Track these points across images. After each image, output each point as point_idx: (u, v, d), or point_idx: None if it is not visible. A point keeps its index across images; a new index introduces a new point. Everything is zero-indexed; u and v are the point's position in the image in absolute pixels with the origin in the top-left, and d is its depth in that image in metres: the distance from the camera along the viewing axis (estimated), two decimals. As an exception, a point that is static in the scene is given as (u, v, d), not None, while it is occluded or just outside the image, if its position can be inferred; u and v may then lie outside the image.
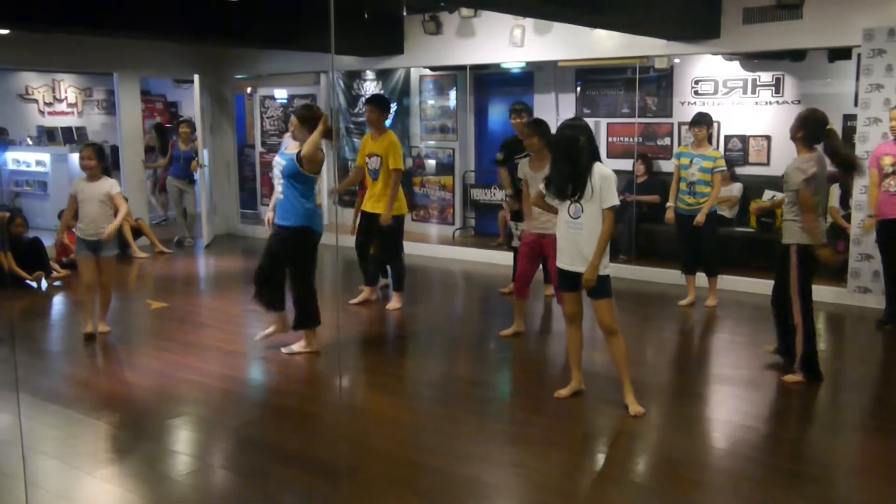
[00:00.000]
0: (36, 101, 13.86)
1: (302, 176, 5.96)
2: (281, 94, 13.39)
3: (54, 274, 9.07)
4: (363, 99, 12.32)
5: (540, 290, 7.97)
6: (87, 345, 6.70)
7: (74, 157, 12.37)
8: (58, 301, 8.58)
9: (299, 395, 5.53)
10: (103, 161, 6.87)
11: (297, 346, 6.30)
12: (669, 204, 7.79)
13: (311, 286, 6.24)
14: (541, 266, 7.34)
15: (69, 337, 7.23)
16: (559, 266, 5.09)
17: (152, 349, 6.69)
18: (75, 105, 14.39)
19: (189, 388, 5.66)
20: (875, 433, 4.87)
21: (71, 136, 13.02)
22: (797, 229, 5.47)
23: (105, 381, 5.89)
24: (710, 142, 7.83)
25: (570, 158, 4.90)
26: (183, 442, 4.80)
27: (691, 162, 7.56)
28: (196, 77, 11.69)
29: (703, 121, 7.63)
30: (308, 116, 6.01)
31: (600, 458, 4.59)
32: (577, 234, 4.92)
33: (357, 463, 4.38)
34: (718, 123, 9.80)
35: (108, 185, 6.80)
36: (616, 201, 4.94)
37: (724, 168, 7.71)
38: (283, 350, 6.29)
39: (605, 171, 4.93)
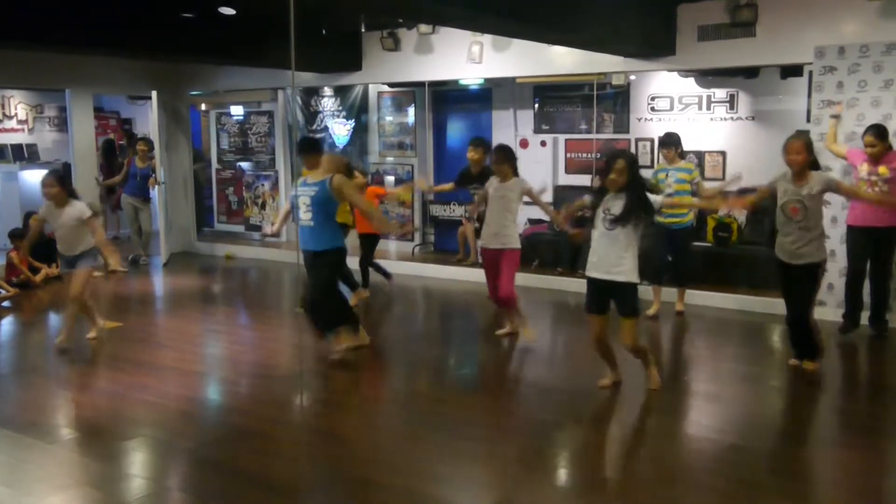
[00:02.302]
0: (-16, 118, 13.56)
1: (333, 202, 6.19)
2: (237, 110, 13.28)
3: (2, 293, 8.83)
4: (321, 115, 12.28)
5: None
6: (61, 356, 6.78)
7: (25, 175, 12.16)
8: (7, 322, 8.36)
9: (258, 416, 5.41)
10: (66, 186, 6.94)
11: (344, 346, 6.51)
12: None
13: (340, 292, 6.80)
14: None
15: (19, 358, 7.06)
16: (591, 276, 5.39)
17: (106, 370, 6.55)
18: (25, 122, 14.10)
19: (144, 409, 5.52)
20: (845, 445, 4.90)
21: (21, 154, 12.76)
22: (824, 245, 5.83)
23: (57, 404, 5.72)
24: (682, 157, 8.06)
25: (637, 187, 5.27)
26: (139, 464, 4.67)
27: (667, 175, 7.78)
28: (154, 93, 11.54)
29: (669, 142, 7.95)
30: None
31: (565, 475, 4.57)
32: (613, 242, 5.21)
33: (316, 484, 4.31)
34: (675, 139, 9.91)
35: (78, 210, 6.85)
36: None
37: (699, 180, 7.90)
38: (336, 351, 6.45)
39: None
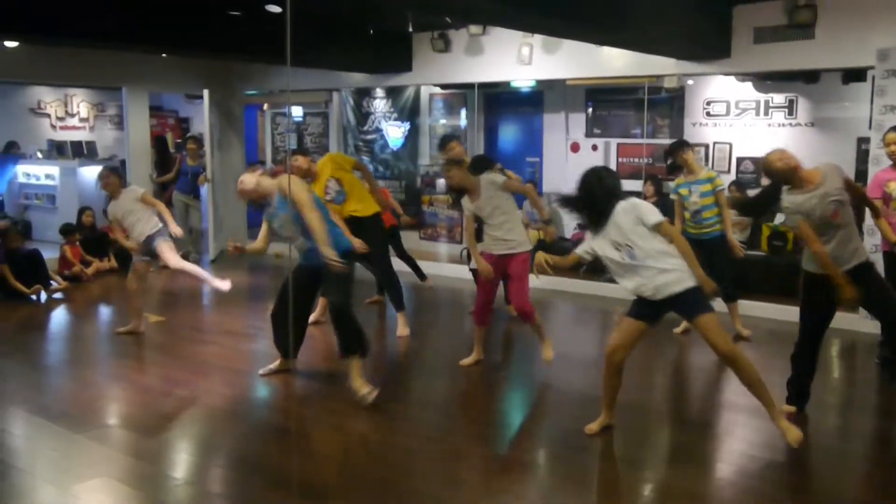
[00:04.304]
0: (48, 115, 13.90)
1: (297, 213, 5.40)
2: (296, 111, 13.36)
3: (54, 286, 8.99)
4: (373, 117, 12.28)
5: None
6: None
7: (83, 171, 12.40)
8: (56, 313, 8.50)
9: (296, 415, 5.33)
10: (120, 178, 7.45)
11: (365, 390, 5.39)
12: None
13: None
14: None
15: (63, 349, 7.17)
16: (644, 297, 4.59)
17: (147, 364, 6.61)
18: (87, 120, 14.41)
19: (180, 404, 5.54)
20: (881, 464, 4.67)
21: (80, 150, 13.04)
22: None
23: (93, 396, 5.75)
24: (703, 164, 7.57)
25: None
26: (168, 460, 4.66)
27: (689, 191, 7.17)
28: (206, 92, 11.67)
29: (672, 149, 7.29)
30: None
31: (597, 486, 4.42)
32: (650, 273, 4.49)
33: (338, 483, 4.24)
34: (730, 145, 9.67)
35: (132, 192, 7.27)
36: (660, 216, 4.54)
37: (724, 186, 7.35)
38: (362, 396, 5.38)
39: (624, 204, 4.56)
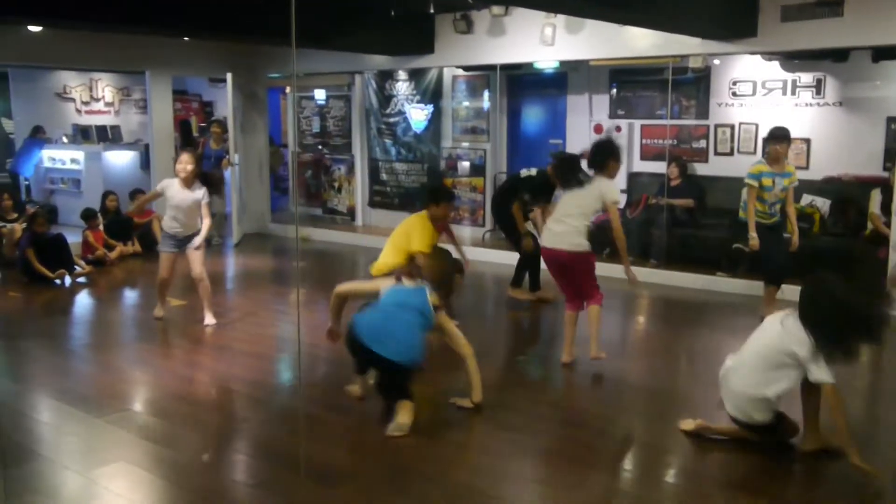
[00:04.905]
0: (73, 99, 13.98)
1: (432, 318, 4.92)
2: (319, 94, 13.33)
3: (78, 270, 9.07)
4: (396, 99, 12.22)
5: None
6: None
7: (108, 156, 12.49)
8: (80, 297, 8.57)
9: (318, 401, 5.27)
10: (199, 167, 7.08)
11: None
12: (753, 234, 6.86)
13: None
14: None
15: (85, 333, 7.23)
16: None
17: (169, 348, 6.65)
18: (112, 104, 14.48)
19: (200, 388, 5.57)
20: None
21: (105, 135, 13.11)
22: None
23: (113, 380, 5.77)
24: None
25: None
26: (185, 445, 4.66)
27: (773, 182, 6.92)
28: (229, 76, 11.67)
29: (784, 136, 7.00)
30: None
31: (635, 476, 4.38)
32: None
33: (355, 469, 4.24)
34: (756, 126, 9.51)
35: (200, 193, 7.00)
36: None
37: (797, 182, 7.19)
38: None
39: None
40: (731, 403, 4.41)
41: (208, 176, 7.31)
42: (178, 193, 6.96)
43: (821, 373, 4.07)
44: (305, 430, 4.72)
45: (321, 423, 4.89)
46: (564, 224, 5.82)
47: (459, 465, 4.34)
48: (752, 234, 6.89)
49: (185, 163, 6.97)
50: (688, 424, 4.65)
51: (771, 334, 4.31)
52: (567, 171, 6.14)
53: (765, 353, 4.28)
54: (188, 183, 6.97)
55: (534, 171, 8.11)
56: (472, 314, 7.69)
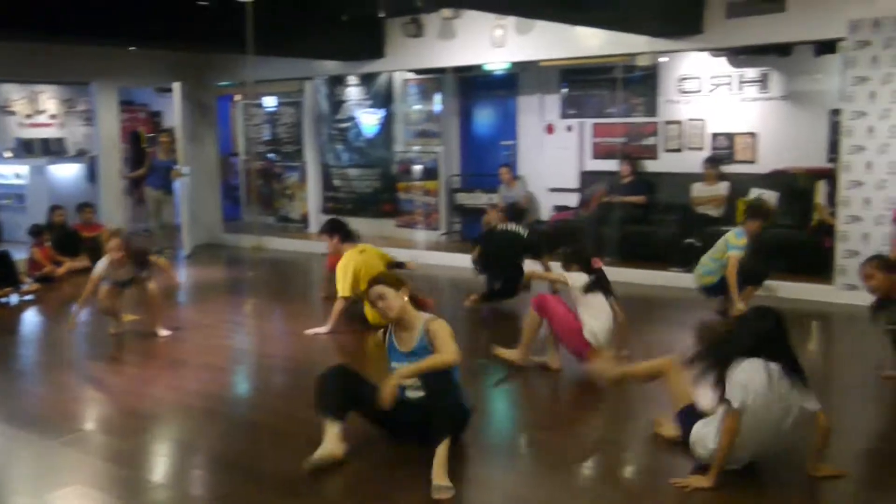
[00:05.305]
0: (15, 112, 13.64)
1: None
2: (270, 101, 13.20)
3: (25, 288, 8.84)
4: (346, 105, 12.15)
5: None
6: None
7: (53, 169, 12.23)
8: (28, 316, 8.36)
9: (277, 412, 5.23)
10: (129, 251, 6.88)
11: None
12: (740, 306, 6.63)
13: None
14: None
15: (34, 353, 7.06)
16: None
17: (121, 365, 6.50)
18: (56, 117, 14.17)
19: (155, 405, 5.44)
20: None
21: (49, 148, 12.85)
22: None
23: (66, 399, 5.61)
24: None
25: None
26: (144, 463, 4.56)
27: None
28: (176, 85, 11.50)
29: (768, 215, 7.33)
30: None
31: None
32: None
33: (321, 478, 4.18)
34: (703, 122, 9.64)
35: (138, 270, 6.94)
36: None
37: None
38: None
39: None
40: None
41: (139, 254, 7.11)
42: (115, 270, 6.86)
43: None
44: (265, 442, 4.65)
45: (281, 434, 4.82)
46: None
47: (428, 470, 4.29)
48: (740, 306, 6.64)
49: (114, 250, 6.77)
50: (668, 430, 4.52)
51: None
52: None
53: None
54: (122, 264, 6.84)
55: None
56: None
